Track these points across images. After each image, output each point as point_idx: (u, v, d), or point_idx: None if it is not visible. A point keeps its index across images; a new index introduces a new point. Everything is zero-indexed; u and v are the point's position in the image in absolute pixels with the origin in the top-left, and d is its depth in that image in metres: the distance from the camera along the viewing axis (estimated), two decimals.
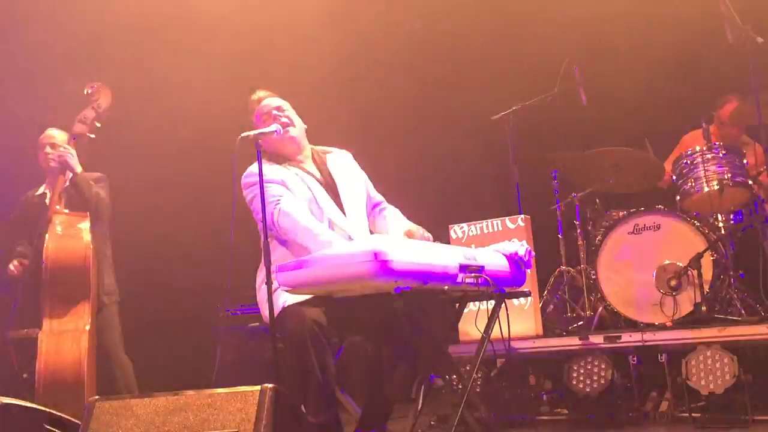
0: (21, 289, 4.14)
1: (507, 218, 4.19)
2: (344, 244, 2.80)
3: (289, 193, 3.13)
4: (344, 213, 3.19)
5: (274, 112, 3.28)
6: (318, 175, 3.28)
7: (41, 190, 4.33)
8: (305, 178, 3.22)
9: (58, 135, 4.35)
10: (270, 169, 3.16)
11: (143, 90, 6.21)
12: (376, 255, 2.43)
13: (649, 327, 3.93)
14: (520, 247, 3.05)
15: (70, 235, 4.00)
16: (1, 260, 4.31)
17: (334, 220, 3.13)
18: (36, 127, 4.61)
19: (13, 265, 4.24)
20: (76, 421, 2.60)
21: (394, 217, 3.40)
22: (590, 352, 3.82)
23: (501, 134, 4.85)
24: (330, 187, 3.25)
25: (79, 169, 4.13)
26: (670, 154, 4.98)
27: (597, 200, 4.80)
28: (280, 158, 3.29)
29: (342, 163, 3.39)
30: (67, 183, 4.17)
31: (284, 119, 3.27)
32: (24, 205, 4.41)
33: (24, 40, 5.81)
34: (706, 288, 3.94)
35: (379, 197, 3.49)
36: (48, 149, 4.30)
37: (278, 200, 3.07)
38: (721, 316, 3.90)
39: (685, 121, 5.13)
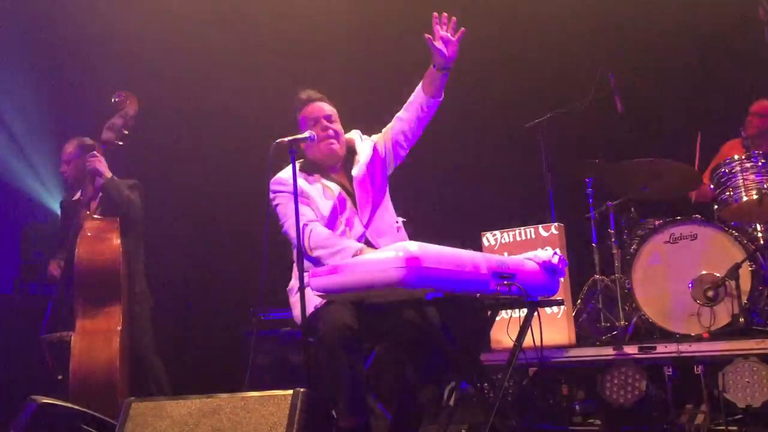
0: (57, 293, 4.22)
1: (540, 226, 4.17)
2: (378, 250, 2.80)
3: (313, 211, 3.12)
4: (363, 222, 3.16)
5: (324, 121, 3.23)
6: (347, 183, 3.24)
7: (77, 195, 4.42)
8: (333, 189, 3.19)
9: (67, 149, 4.47)
10: (299, 180, 3.09)
11: (176, 94, 6.30)
12: (408, 261, 2.43)
13: (685, 338, 3.87)
14: (554, 255, 3.02)
15: (100, 240, 4.05)
16: (44, 263, 4.42)
17: (354, 231, 3.12)
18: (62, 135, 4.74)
19: (53, 267, 4.34)
20: (112, 421, 2.65)
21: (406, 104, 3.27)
22: (624, 363, 3.78)
23: (535, 141, 4.82)
24: (352, 195, 3.22)
25: (108, 174, 4.19)
26: (709, 164, 4.90)
27: (632, 208, 4.75)
28: (312, 167, 3.26)
29: (365, 167, 3.27)
30: (99, 189, 4.24)
31: (332, 132, 3.22)
32: (61, 210, 4.51)
33: (52, 47, 5.95)
34: (744, 299, 3.87)
35: (393, 126, 3.30)
36: (64, 166, 4.47)
37: (307, 222, 3.05)
38: (760, 328, 3.82)
39: (725, 130, 5.06)
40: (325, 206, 3.15)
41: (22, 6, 5.89)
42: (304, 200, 3.11)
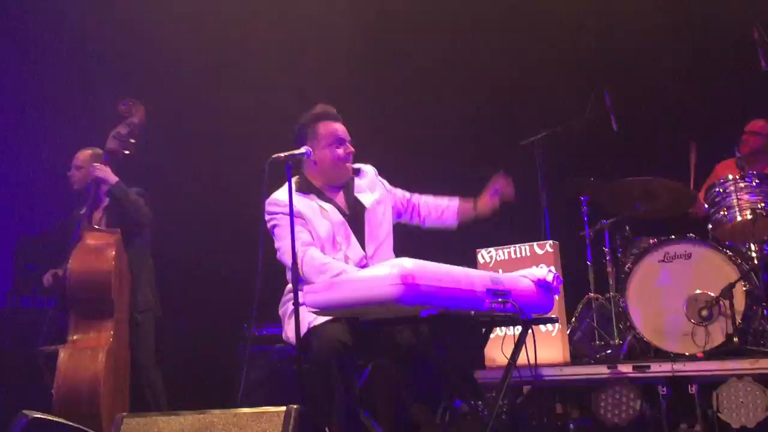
0: (54, 304, 4.20)
1: (535, 243, 4.17)
2: (372, 267, 2.80)
3: (310, 232, 3.10)
4: (364, 247, 3.15)
5: (347, 143, 3.24)
6: (345, 206, 3.23)
7: (83, 210, 4.37)
8: (331, 212, 3.16)
9: (82, 155, 4.38)
10: (295, 200, 3.01)
11: (178, 107, 6.31)
12: (403, 278, 2.43)
13: (680, 357, 3.87)
14: (548, 272, 3.03)
15: (95, 253, 3.99)
16: (38, 276, 4.40)
17: (350, 255, 3.11)
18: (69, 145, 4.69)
19: (45, 279, 4.31)
20: None
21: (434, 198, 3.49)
22: (619, 382, 3.77)
23: (530, 159, 4.83)
24: (353, 218, 3.19)
25: (114, 179, 4.11)
26: (704, 183, 4.92)
27: (627, 227, 4.76)
28: (308, 185, 3.23)
29: (368, 190, 3.30)
30: (104, 199, 4.20)
31: (350, 152, 3.24)
32: (68, 223, 4.47)
33: (57, 58, 5.95)
34: (738, 319, 3.87)
35: (407, 195, 3.48)
36: (74, 170, 4.36)
37: (303, 245, 3.02)
38: (754, 348, 3.82)
39: (719, 150, 5.09)
40: (323, 228, 3.12)
41: (28, 8, 5.90)
42: (300, 221, 3.08)
